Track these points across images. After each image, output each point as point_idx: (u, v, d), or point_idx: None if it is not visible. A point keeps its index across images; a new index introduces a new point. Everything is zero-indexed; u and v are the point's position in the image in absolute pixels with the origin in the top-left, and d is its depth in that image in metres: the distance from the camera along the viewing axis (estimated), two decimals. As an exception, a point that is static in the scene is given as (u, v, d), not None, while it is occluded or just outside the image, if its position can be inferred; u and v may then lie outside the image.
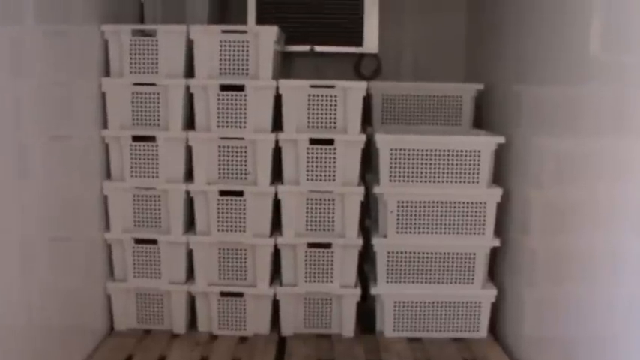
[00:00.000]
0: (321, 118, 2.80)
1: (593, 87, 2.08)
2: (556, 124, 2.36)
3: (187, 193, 2.83)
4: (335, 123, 2.80)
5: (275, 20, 2.94)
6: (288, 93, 2.77)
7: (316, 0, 3.32)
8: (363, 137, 2.79)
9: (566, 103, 2.27)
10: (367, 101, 3.09)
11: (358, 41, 3.32)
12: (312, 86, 2.78)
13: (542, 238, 2.51)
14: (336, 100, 2.78)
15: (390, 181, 2.77)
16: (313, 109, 2.80)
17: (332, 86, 2.77)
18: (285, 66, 3.46)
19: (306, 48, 3.32)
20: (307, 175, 2.81)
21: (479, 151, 2.75)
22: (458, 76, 3.62)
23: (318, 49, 3.32)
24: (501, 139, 2.77)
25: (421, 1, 3.68)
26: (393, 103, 3.18)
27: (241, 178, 2.82)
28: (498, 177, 2.86)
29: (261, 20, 3.27)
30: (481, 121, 3.25)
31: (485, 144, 2.76)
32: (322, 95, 2.78)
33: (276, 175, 2.88)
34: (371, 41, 3.33)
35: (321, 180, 2.81)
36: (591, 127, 2.09)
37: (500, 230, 2.85)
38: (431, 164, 2.76)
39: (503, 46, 3.04)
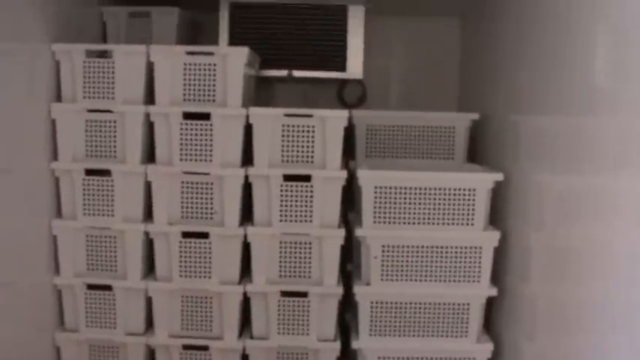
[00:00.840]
0: (297, 152, 2.52)
1: (600, 118, 1.83)
2: (559, 159, 2.11)
3: (146, 234, 2.54)
4: (312, 157, 2.52)
5: (250, 42, 2.67)
6: (260, 122, 2.49)
7: (296, 20, 3.05)
8: (344, 173, 2.51)
9: (570, 136, 2.03)
10: (350, 132, 2.82)
11: (341, 66, 3.04)
12: (286, 115, 2.50)
13: (544, 286, 2.25)
14: (313, 131, 2.50)
15: (374, 222, 2.48)
16: (288, 141, 2.52)
17: (309, 115, 2.49)
18: (264, 92, 3.19)
19: (283, 73, 3.04)
20: (281, 216, 2.52)
21: (474, 190, 2.47)
22: (451, 105, 3.34)
23: (297, 74, 3.05)
24: (499, 176, 2.49)
25: (410, 24, 3.40)
26: (379, 134, 2.89)
27: (207, 218, 2.54)
28: (495, 218, 2.58)
29: (234, 42, 3.00)
30: (476, 155, 2.97)
31: (481, 181, 2.48)
32: (298, 126, 2.50)
33: (246, 215, 2.60)
34: (355, 66, 3.05)
35: (296, 221, 2.53)
36: (599, 162, 1.84)
37: (497, 278, 2.57)
38: (420, 204, 2.47)
39: (500, 72, 2.78)
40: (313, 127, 2.50)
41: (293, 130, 2.51)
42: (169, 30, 3.00)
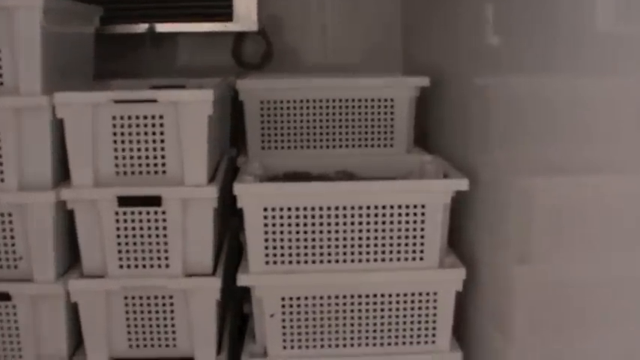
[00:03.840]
0: (139, 159, 1.64)
1: (618, 79, 1.13)
2: (557, 146, 1.36)
3: None
4: (163, 166, 1.64)
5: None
6: (74, 116, 1.60)
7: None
8: (213, 191, 1.62)
9: (571, 108, 1.29)
10: (239, 111, 1.95)
11: (226, 14, 2.16)
12: (117, 102, 1.59)
13: (533, 342, 1.53)
14: (162, 125, 1.61)
15: (267, 263, 1.63)
16: (124, 144, 1.63)
17: (152, 100, 1.60)
18: (123, 62, 2.30)
19: (143, 28, 2.16)
20: (120, 260, 1.66)
21: (423, 207, 1.62)
22: (392, 67, 2.49)
23: (162, 28, 2.16)
24: (463, 184, 1.65)
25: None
26: (281, 113, 1.97)
27: (8, 268, 1.68)
28: (456, 244, 1.79)
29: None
30: (427, 139, 2.15)
31: (435, 195, 1.64)
32: (138, 117, 1.62)
33: (72, 259, 1.75)
34: (246, 13, 2.20)
35: (145, 266, 1.67)
36: (619, 151, 1.14)
37: (461, 335, 1.80)
38: (338, 232, 1.62)
39: (460, 18, 1.96)
40: (161, 118, 1.60)
41: (130, 125, 1.61)
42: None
